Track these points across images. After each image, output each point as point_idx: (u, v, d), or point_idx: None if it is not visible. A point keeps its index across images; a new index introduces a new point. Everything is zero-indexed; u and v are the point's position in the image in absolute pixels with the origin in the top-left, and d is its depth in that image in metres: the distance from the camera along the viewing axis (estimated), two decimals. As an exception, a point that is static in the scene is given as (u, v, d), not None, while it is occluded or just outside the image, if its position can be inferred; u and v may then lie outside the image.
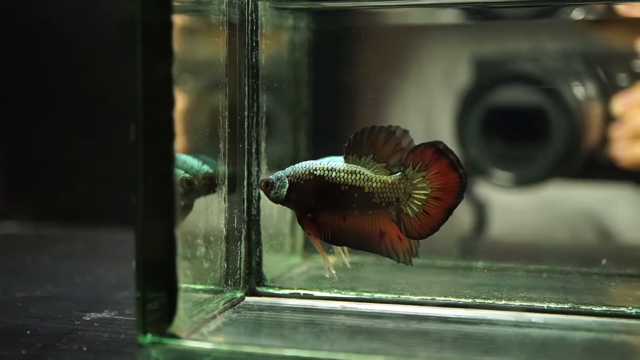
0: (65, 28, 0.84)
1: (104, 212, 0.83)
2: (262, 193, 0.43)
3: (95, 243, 0.76)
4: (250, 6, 0.45)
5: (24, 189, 0.87)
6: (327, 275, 0.42)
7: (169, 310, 0.36)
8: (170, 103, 0.35)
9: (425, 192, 0.39)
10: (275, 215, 0.49)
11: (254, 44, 0.45)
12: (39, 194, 0.87)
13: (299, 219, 0.42)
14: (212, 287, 0.41)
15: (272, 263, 0.48)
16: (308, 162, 0.41)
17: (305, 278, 0.50)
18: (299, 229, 0.53)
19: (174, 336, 0.36)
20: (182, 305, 0.36)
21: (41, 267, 0.63)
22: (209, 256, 0.41)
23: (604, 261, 0.52)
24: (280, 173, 0.41)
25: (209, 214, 0.41)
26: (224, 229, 0.43)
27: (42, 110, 0.86)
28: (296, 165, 0.41)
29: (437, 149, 0.39)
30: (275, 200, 0.41)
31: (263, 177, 0.44)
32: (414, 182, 0.39)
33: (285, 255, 0.53)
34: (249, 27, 0.45)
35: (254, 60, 0.45)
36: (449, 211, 0.39)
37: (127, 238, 0.76)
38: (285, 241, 0.52)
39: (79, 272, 0.60)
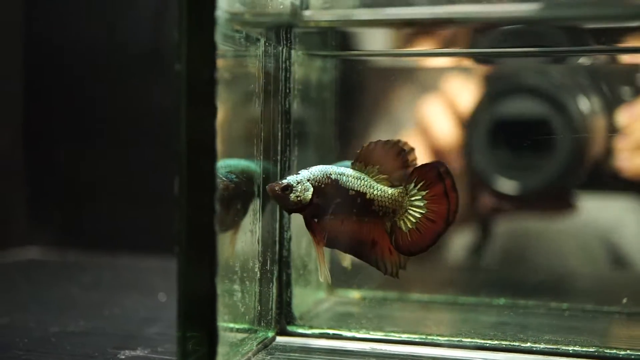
0: (95, 51, 0.86)
1: (126, 238, 0.85)
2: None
3: (119, 271, 0.78)
4: (283, 55, 0.46)
5: (46, 214, 0.89)
6: (321, 279, 0.42)
7: (210, 357, 0.37)
8: (213, 156, 0.36)
9: (421, 210, 0.41)
10: (303, 253, 0.50)
11: (287, 91, 0.47)
12: (61, 219, 0.88)
13: (310, 224, 0.41)
14: (247, 328, 0.43)
15: (299, 300, 0.50)
16: (318, 166, 0.42)
17: (332, 315, 0.51)
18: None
19: (213, 382, 0.37)
20: (221, 351, 0.37)
21: (70, 298, 0.64)
22: (244, 299, 0.42)
23: (624, 300, 0.53)
24: (296, 177, 0.41)
25: (244, 255, 0.43)
26: (258, 271, 0.44)
27: (67, 134, 0.88)
28: (310, 169, 0.41)
29: (438, 171, 0.40)
30: (295, 204, 0.41)
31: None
32: (413, 198, 0.41)
33: (312, 290, 0.54)
34: (283, 75, 0.46)
35: (287, 106, 0.47)
36: (439, 235, 0.41)
37: (149, 265, 0.78)
38: (311, 277, 0.53)
39: (107, 304, 0.61)
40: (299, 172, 0.41)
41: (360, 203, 0.41)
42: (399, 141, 0.41)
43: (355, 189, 0.41)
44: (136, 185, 0.86)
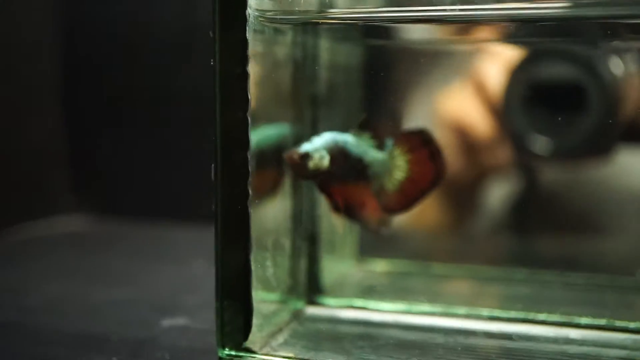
0: (129, 35, 0.89)
1: (165, 209, 0.89)
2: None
3: (158, 241, 0.82)
4: (311, 43, 0.49)
5: (89, 185, 0.93)
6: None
7: (245, 327, 0.40)
8: (245, 145, 0.39)
9: (404, 173, 0.44)
10: (332, 229, 0.54)
11: (315, 76, 0.49)
12: (103, 191, 0.93)
13: (326, 189, 0.43)
14: (279, 300, 0.46)
15: (328, 272, 0.53)
16: (326, 134, 0.43)
17: (359, 287, 0.55)
18: (353, 236, 0.58)
19: (248, 350, 0.41)
20: (255, 322, 0.41)
21: (112, 267, 0.68)
22: (276, 273, 0.45)
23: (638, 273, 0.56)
24: (312, 145, 0.42)
25: (276, 231, 0.46)
26: (289, 247, 0.47)
27: (108, 112, 0.91)
28: (321, 137, 0.43)
29: (422, 137, 0.43)
30: (312, 172, 0.42)
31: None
32: (397, 162, 0.44)
33: (341, 262, 0.57)
34: (310, 61, 0.49)
35: (314, 90, 0.49)
36: (423, 194, 0.44)
37: (187, 236, 0.82)
38: (339, 250, 0.57)
39: (147, 273, 0.65)
40: (311, 140, 0.42)
41: (359, 168, 0.43)
42: (394, 113, 0.44)
43: (356, 154, 0.43)
44: (173, 159, 0.89)
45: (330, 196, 0.43)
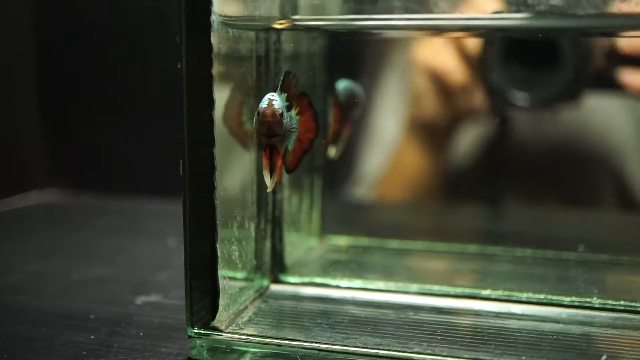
0: (103, 17, 0.91)
1: (137, 184, 0.92)
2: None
3: (130, 216, 0.85)
4: (273, 39, 0.52)
5: (64, 161, 0.96)
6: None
7: (213, 307, 0.44)
8: (211, 142, 0.43)
9: (295, 132, 0.44)
10: (294, 210, 0.57)
11: (277, 70, 0.52)
12: (77, 166, 0.95)
13: (277, 151, 0.43)
14: (244, 280, 0.50)
15: (291, 250, 0.57)
16: (272, 94, 0.42)
17: (320, 264, 0.59)
18: (315, 214, 0.62)
19: (215, 329, 0.44)
20: (222, 302, 0.45)
21: (87, 244, 0.72)
22: (242, 255, 0.49)
23: (581, 248, 0.60)
24: (277, 104, 0.41)
25: (241, 216, 0.49)
26: (254, 230, 0.51)
27: (83, 91, 0.94)
28: (272, 96, 0.42)
29: (309, 100, 0.45)
30: (282, 131, 0.41)
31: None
32: (292, 122, 0.44)
33: (303, 240, 0.61)
34: (273, 56, 0.52)
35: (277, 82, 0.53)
36: (304, 154, 0.45)
37: (157, 209, 0.85)
38: (301, 229, 0.60)
39: (121, 250, 0.69)
40: (264, 98, 0.41)
41: (286, 128, 0.43)
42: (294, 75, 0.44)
43: (286, 115, 0.43)
44: (145, 136, 0.92)
45: (278, 157, 0.43)
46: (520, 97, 0.64)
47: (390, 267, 0.59)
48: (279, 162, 0.42)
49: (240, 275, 0.49)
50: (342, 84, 0.56)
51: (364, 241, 0.65)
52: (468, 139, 0.73)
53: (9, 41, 0.90)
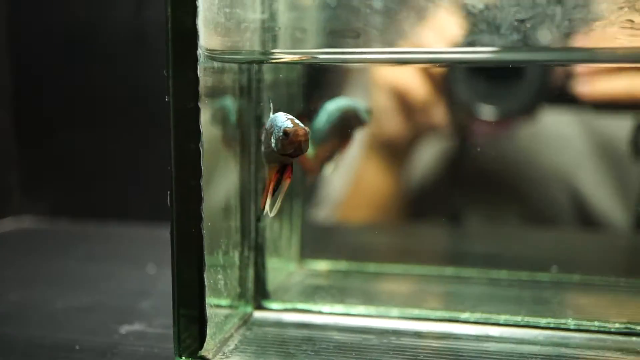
0: (81, 32, 0.92)
1: (115, 209, 0.92)
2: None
3: (110, 242, 0.85)
4: (254, 69, 0.53)
5: (39, 186, 0.96)
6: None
7: (200, 336, 0.45)
8: (198, 174, 0.44)
9: None
10: (275, 237, 0.58)
11: (259, 99, 0.54)
12: (53, 191, 0.95)
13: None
14: (229, 308, 0.50)
15: (272, 276, 0.58)
16: (282, 114, 0.43)
17: (302, 289, 0.60)
18: (295, 239, 0.63)
19: (203, 358, 0.45)
20: (209, 331, 0.45)
21: (68, 271, 0.72)
22: (227, 283, 0.49)
23: (554, 269, 0.62)
24: (298, 122, 0.42)
25: (225, 245, 0.50)
26: (238, 258, 0.52)
27: (58, 112, 0.94)
28: (288, 116, 0.43)
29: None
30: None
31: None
32: None
33: (283, 265, 0.62)
34: (255, 86, 0.53)
35: (258, 111, 0.54)
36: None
37: (136, 234, 0.86)
38: (282, 255, 0.61)
39: (103, 277, 0.69)
40: (280, 119, 0.42)
41: None
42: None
43: None
44: (122, 159, 0.92)
45: (288, 175, 0.43)
46: (483, 111, 0.65)
47: (369, 292, 0.60)
48: (288, 181, 0.43)
49: (225, 302, 0.50)
50: (336, 104, 0.54)
51: (341, 265, 0.66)
52: (432, 158, 0.74)
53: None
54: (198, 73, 0.43)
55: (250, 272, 0.54)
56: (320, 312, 0.54)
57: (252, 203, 0.54)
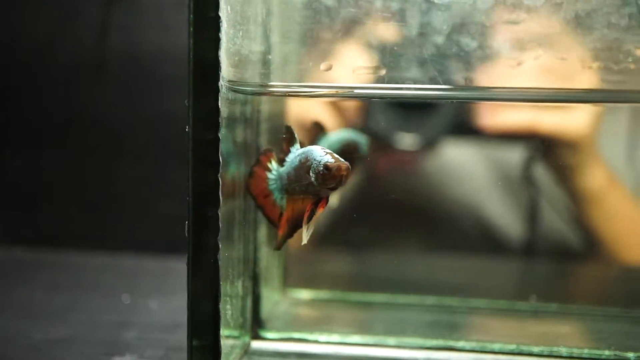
0: (39, 57, 0.90)
1: (73, 236, 0.90)
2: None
3: (71, 271, 0.83)
4: (256, 102, 0.53)
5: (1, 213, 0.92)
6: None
7: None
8: (216, 204, 0.44)
9: None
10: (266, 266, 0.58)
11: (259, 130, 0.54)
12: (10, 218, 0.92)
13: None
14: (233, 339, 0.50)
15: (264, 306, 0.58)
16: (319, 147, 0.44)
17: (292, 318, 0.60)
18: (280, 268, 0.63)
19: (216, 388, 0.45)
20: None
21: (38, 301, 0.69)
22: (233, 313, 0.49)
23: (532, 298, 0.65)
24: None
25: (232, 275, 0.50)
26: (241, 288, 0.51)
27: (14, 136, 0.91)
28: (322, 149, 0.43)
29: None
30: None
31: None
32: None
33: (271, 294, 0.62)
34: (257, 117, 0.54)
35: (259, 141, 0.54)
36: None
37: (98, 263, 0.84)
38: (269, 284, 0.61)
39: (75, 307, 0.67)
40: (317, 152, 0.43)
41: None
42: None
43: None
44: (80, 186, 0.90)
45: (322, 206, 0.44)
46: (389, 143, 0.67)
47: (360, 320, 0.61)
48: (321, 210, 0.43)
49: (231, 333, 0.49)
50: (335, 137, 0.55)
51: (324, 294, 0.67)
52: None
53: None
54: (219, 104, 0.43)
55: (249, 302, 0.54)
56: (316, 342, 0.55)
57: (250, 232, 0.54)
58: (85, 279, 0.79)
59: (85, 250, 0.88)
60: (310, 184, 0.42)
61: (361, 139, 0.56)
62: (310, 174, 0.42)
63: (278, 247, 0.45)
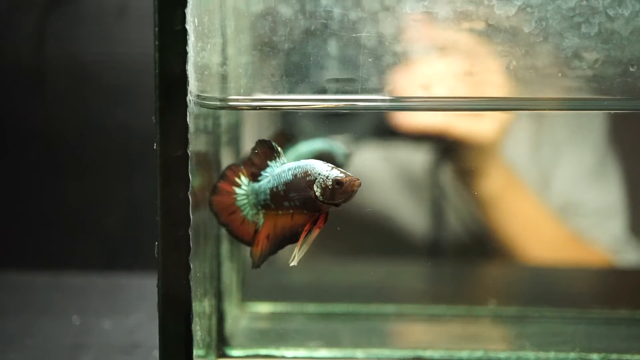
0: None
1: (10, 254, 0.87)
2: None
3: (13, 291, 0.79)
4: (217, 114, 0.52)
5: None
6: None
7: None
8: (187, 223, 0.42)
9: None
10: (227, 283, 0.57)
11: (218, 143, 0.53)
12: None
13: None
14: (203, 356, 0.49)
15: (227, 322, 0.56)
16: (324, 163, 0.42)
17: (258, 335, 0.59)
18: (238, 282, 0.62)
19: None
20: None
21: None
22: (202, 333, 0.48)
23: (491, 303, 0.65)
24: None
25: (201, 294, 0.49)
26: (207, 307, 0.50)
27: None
28: (330, 165, 0.42)
29: None
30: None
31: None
32: None
33: (229, 308, 0.61)
34: (216, 130, 0.53)
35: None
36: None
37: (44, 282, 0.80)
38: (230, 297, 0.60)
39: (24, 331, 0.64)
40: (323, 168, 0.41)
41: None
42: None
43: None
44: (20, 202, 0.87)
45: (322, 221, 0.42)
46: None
47: (325, 333, 0.60)
48: (319, 230, 0.42)
49: (200, 353, 0.48)
50: (306, 148, 0.53)
51: (282, 307, 0.66)
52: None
53: None
54: (187, 119, 0.42)
55: (214, 320, 0.53)
56: (283, 357, 0.54)
57: (215, 248, 0.53)
58: (31, 300, 0.76)
59: (28, 270, 0.84)
60: (310, 199, 0.41)
61: (337, 149, 0.54)
62: (315, 188, 0.41)
63: (257, 265, 0.44)
